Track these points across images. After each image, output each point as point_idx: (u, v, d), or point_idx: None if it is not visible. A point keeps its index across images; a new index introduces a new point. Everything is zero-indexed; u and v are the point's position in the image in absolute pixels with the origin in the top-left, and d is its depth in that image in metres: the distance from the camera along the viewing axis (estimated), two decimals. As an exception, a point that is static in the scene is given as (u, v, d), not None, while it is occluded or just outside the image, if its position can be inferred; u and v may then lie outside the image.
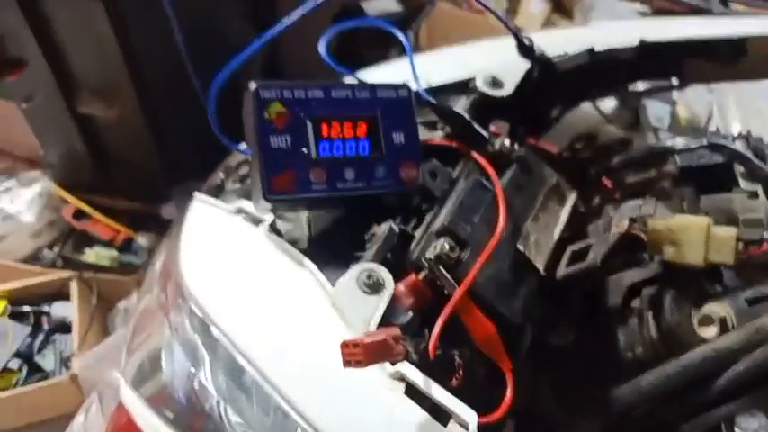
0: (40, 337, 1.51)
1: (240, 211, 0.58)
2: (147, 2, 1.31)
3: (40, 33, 1.35)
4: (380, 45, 1.58)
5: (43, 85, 1.46)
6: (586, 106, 1.03)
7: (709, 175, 0.57)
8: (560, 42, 0.67)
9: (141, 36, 1.35)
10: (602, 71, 0.66)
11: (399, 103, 0.55)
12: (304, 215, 0.57)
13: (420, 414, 0.41)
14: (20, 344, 1.48)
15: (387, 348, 0.39)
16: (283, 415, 0.43)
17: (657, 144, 0.60)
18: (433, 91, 0.62)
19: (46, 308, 1.56)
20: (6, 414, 1.43)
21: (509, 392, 0.43)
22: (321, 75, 0.64)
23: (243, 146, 0.56)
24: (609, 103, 1.49)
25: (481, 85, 0.61)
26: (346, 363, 0.38)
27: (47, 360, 1.49)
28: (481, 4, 0.66)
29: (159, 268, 0.68)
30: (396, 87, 0.55)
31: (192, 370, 0.51)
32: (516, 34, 0.63)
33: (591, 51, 0.63)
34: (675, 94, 1.51)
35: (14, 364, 1.46)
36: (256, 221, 0.55)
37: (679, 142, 0.56)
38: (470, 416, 0.40)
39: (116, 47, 1.32)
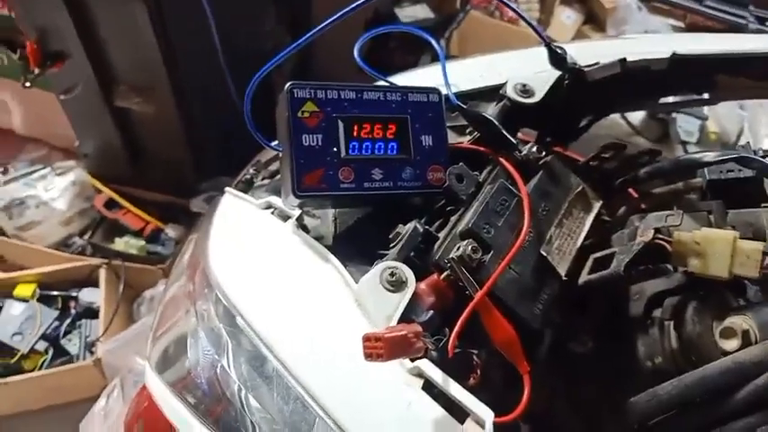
0: (67, 321, 1.56)
1: (269, 206, 0.59)
2: (188, 3, 1.35)
3: (82, 29, 1.40)
4: (412, 51, 1.60)
5: (83, 78, 1.51)
6: (615, 117, 1.03)
7: (738, 190, 0.57)
8: (592, 52, 0.67)
9: (180, 35, 1.38)
10: (634, 82, 0.66)
11: (430, 107, 0.56)
12: (331, 212, 0.58)
13: (437, 410, 0.41)
14: (47, 327, 1.53)
15: (407, 344, 0.40)
16: (302, 405, 0.44)
17: (686, 156, 0.59)
18: (463, 96, 0.63)
19: (74, 293, 1.61)
20: (31, 394, 1.48)
21: (526, 394, 0.44)
22: (351, 77, 0.65)
23: (275, 143, 0.57)
24: (638, 115, 1.48)
25: (511, 92, 0.62)
26: (367, 356, 0.39)
27: (72, 344, 1.53)
28: (515, 11, 0.67)
29: (187, 258, 0.69)
30: (427, 91, 0.57)
31: (216, 357, 0.53)
32: (548, 43, 0.64)
33: (622, 61, 0.63)
34: (706, 109, 1.49)
35: (41, 346, 1.51)
36: (284, 217, 0.57)
37: (708, 155, 0.56)
38: (487, 414, 0.40)
39: (155, 45, 1.36)
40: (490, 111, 0.62)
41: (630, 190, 0.67)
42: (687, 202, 0.61)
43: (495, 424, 0.40)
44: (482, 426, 0.40)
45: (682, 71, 0.66)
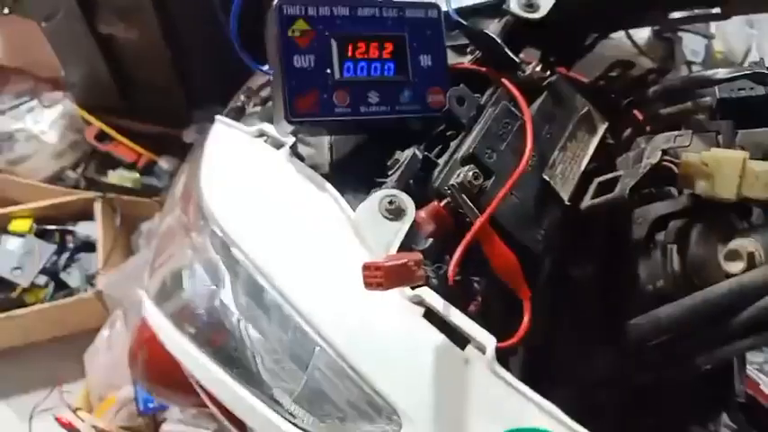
0: (66, 255, 1.57)
1: (262, 133, 0.57)
2: None
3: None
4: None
5: (64, 3, 1.44)
6: (620, 37, 0.98)
7: (749, 109, 0.55)
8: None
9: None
10: (643, -5, 0.63)
11: (428, 24, 0.53)
12: (326, 140, 0.56)
13: (438, 337, 0.41)
14: (46, 261, 1.54)
15: (407, 272, 0.39)
16: (302, 333, 0.44)
17: (696, 73, 0.57)
18: (463, 12, 0.59)
19: (70, 227, 1.61)
20: (35, 327, 1.50)
21: (526, 319, 0.43)
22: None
23: (265, 67, 0.54)
24: (643, 35, 1.42)
25: (515, 6, 0.58)
26: (367, 285, 0.38)
27: (72, 277, 1.55)
28: None
29: (180, 189, 0.68)
30: (425, 7, 0.53)
31: (214, 288, 0.52)
32: (554, -47, 0.59)
33: (632, -27, 0.59)
34: (713, 27, 1.44)
35: (41, 280, 1.52)
36: (278, 145, 0.55)
37: (720, 72, 0.53)
38: (488, 340, 0.40)
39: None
40: (492, 28, 0.59)
41: (636, 111, 0.64)
42: (696, 122, 0.58)
43: (496, 349, 0.40)
44: (483, 351, 0.40)
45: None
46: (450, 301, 0.42)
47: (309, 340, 0.43)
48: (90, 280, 1.53)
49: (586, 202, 0.53)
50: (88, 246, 1.58)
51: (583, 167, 0.54)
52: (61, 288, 1.53)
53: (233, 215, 0.53)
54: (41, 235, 1.58)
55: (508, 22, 0.58)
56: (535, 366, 0.52)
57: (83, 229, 1.59)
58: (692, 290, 0.48)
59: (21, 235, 1.55)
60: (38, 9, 1.50)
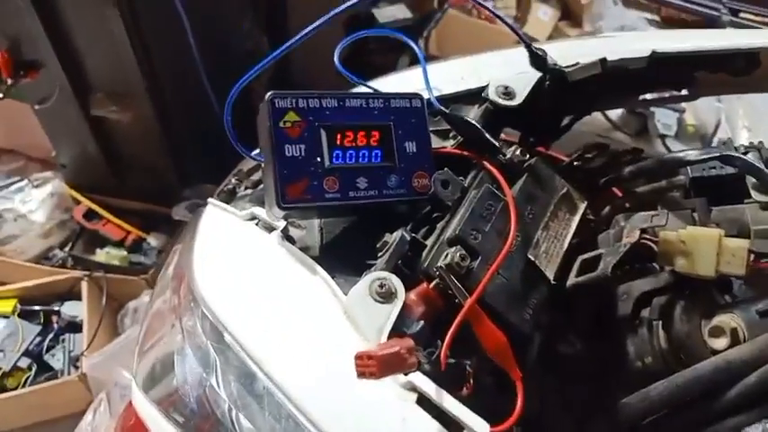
0: (50, 336, 1.53)
1: (253, 217, 0.58)
2: (161, 6, 1.33)
3: (55, 37, 1.37)
4: (392, 50, 1.59)
5: (58, 87, 1.48)
6: (595, 113, 1.03)
7: (721, 187, 0.57)
8: (572, 52, 0.67)
9: (155, 40, 1.37)
10: (614, 81, 0.66)
11: (412, 113, 0.56)
12: (317, 223, 0.58)
13: (432, 425, 0.41)
14: (29, 343, 1.50)
15: (400, 360, 0.39)
16: (295, 423, 0.43)
17: (668, 155, 0.60)
18: (445, 100, 0.63)
19: (56, 307, 1.58)
20: (16, 412, 1.45)
21: (519, 401, 0.43)
22: (330, 79, 0.64)
23: (255, 152, 0.56)
24: (617, 110, 1.49)
25: (493, 94, 0.61)
26: (360, 374, 0.39)
27: (56, 359, 1.51)
28: (493, 13, 0.67)
29: (172, 271, 0.68)
30: (409, 97, 0.56)
31: (204, 375, 0.52)
32: (529, 45, 0.63)
33: (603, 61, 0.63)
34: (684, 102, 1.51)
35: (24, 362, 1.48)
36: (269, 228, 0.56)
37: (690, 154, 0.56)
38: (482, 427, 0.40)
39: (130, 50, 1.34)
40: (472, 114, 0.62)
41: (614, 189, 0.67)
42: (671, 199, 0.61)
43: (490, 434, 0.40)
44: (477, 437, 0.40)
45: (661, 69, 0.67)
46: (443, 385, 0.42)
47: (302, 430, 0.43)
48: (74, 362, 1.49)
49: (571, 280, 0.54)
50: (74, 326, 1.55)
51: (566, 246, 0.56)
52: (45, 371, 1.49)
53: (224, 299, 0.53)
54: (26, 316, 1.55)
55: (487, 109, 0.61)
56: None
57: (69, 309, 1.57)
58: (679, 366, 0.48)
59: (4, 316, 1.53)
60: (32, 93, 1.54)
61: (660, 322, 0.52)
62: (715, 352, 0.47)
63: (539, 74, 0.64)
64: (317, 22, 0.52)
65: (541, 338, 0.55)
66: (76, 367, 1.47)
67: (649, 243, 0.52)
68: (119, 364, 1.33)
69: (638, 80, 0.69)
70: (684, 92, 0.75)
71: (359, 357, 0.38)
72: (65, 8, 1.32)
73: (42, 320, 1.56)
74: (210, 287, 0.55)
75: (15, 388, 1.43)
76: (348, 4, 0.55)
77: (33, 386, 1.43)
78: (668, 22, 1.89)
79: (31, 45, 1.40)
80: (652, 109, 1.47)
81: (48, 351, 1.51)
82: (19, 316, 1.54)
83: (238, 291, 0.54)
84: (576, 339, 0.58)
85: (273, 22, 1.72)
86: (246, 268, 0.55)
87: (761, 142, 0.60)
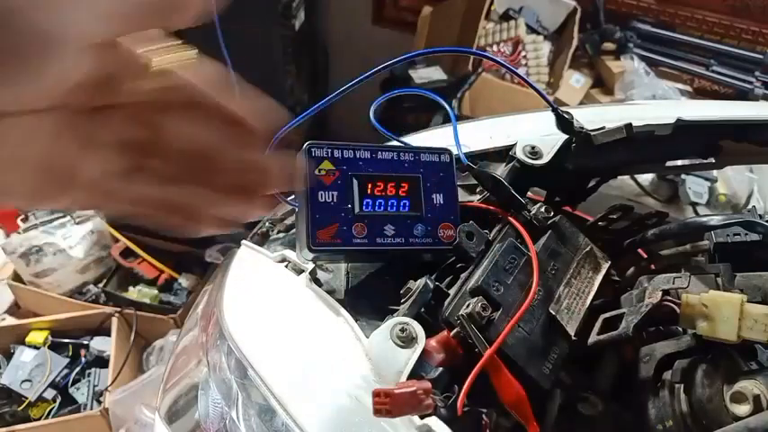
0: (77, 369, 1.56)
1: (284, 259, 0.61)
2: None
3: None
4: (425, 110, 1.64)
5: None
6: (625, 178, 1.04)
7: (746, 253, 0.58)
8: (599, 117, 0.69)
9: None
10: (639, 147, 0.68)
11: (441, 167, 0.58)
12: (343, 267, 0.60)
13: (445, 469, 0.41)
14: (56, 375, 1.53)
15: (416, 400, 0.40)
16: (312, 460, 0.44)
17: (693, 219, 0.61)
18: (473, 156, 0.65)
19: (86, 341, 1.62)
20: (37, 444, 1.46)
21: (535, 455, 0.44)
22: (366, 133, 0.68)
23: (290, 197, 0.59)
24: (647, 176, 1.49)
25: (520, 153, 0.64)
26: (377, 412, 0.40)
27: (80, 393, 1.53)
28: (521, 78, 0.70)
29: (201, 309, 0.71)
30: (438, 152, 0.59)
31: (226, 409, 0.53)
32: (555, 109, 0.66)
33: (628, 126, 0.65)
34: (715, 171, 1.51)
35: (49, 394, 1.50)
36: (298, 270, 0.58)
37: (713, 219, 0.57)
38: (495, 474, 0.40)
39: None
40: (500, 171, 0.64)
41: (639, 251, 0.67)
42: (695, 263, 0.61)
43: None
44: (490, 486, 0.40)
45: (686, 136, 0.68)
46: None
47: (318, 466, 0.44)
48: (98, 396, 1.51)
49: (593, 338, 0.55)
50: (101, 361, 1.58)
51: (588, 303, 0.56)
52: (68, 403, 1.51)
53: (250, 336, 0.55)
54: (55, 348, 1.59)
55: (514, 167, 0.64)
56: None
57: (97, 343, 1.60)
58: (700, 431, 0.48)
59: (36, 347, 1.57)
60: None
61: (682, 386, 0.51)
62: (737, 418, 0.47)
63: (565, 136, 0.66)
64: (356, 80, 0.56)
65: (562, 397, 0.55)
66: (99, 402, 1.49)
67: (671, 304, 0.53)
68: (140, 402, 1.34)
69: (664, 146, 0.70)
70: (711, 160, 0.76)
71: (376, 394, 0.39)
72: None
73: (71, 353, 1.60)
74: (238, 323, 0.57)
75: (39, 418, 1.46)
76: (386, 64, 0.58)
77: (57, 418, 1.45)
78: (700, 94, 1.91)
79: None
80: (683, 176, 1.47)
81: (73, 384, 1.54)
82: (49, 347, 1.58)
83: (265, 328, 0.56)
84: (596, 400, 0.57)
85: (314, 80, 1.80)
86: (274, 307, 0.57)
87: (787, 211, 0.61)
